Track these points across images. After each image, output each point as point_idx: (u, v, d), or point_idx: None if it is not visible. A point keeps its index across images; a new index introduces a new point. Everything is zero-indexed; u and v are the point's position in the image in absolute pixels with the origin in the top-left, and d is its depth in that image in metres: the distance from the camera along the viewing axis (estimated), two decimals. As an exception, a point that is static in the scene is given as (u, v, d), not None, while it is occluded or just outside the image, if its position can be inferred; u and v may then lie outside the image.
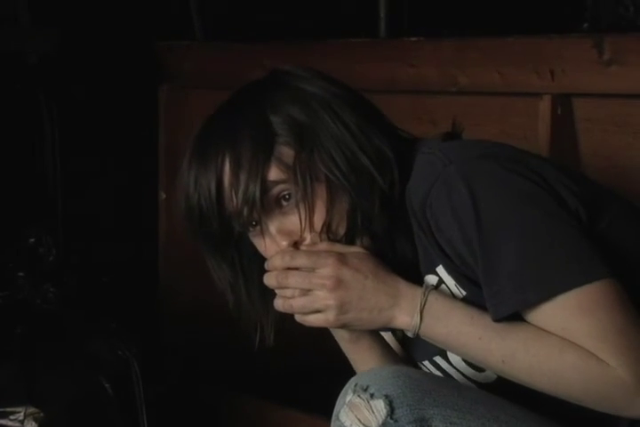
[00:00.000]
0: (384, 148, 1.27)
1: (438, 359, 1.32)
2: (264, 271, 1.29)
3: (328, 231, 1.26)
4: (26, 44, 2.36)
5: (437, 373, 1.33)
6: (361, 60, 2.11)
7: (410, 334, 1.25)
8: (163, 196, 2.52)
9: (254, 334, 1.34)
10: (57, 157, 2.39)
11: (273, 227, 1.27)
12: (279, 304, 1.27)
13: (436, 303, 1.22)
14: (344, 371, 1.40)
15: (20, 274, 2.00)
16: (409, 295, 1.23)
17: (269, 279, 1.27)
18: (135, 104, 2.48)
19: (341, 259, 1.24)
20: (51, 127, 2.38)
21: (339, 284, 1.23)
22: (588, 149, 1.85)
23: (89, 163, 2.46)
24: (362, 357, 1.36)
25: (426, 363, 1.34)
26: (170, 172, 2.49)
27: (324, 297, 1.23)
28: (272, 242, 1.27)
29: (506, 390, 1.22)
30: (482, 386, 1.29)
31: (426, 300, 1.22)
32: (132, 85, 2.46)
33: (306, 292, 1.25)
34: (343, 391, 1.20)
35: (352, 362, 1.39)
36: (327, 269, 1.23)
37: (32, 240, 2.05)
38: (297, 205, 1.25)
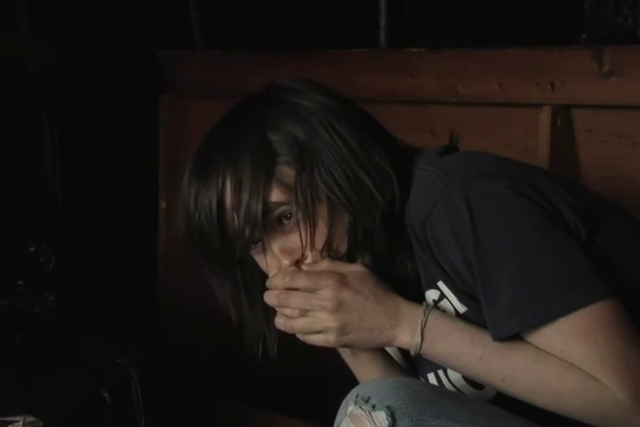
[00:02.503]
0: (384, 164, 1.27)
1: (441, 373, 1.33)
2: (266, 287, 1.29)
3: (329, 249, 1.26)
4: (26, 51, 2.37)
5: None
6: (361, 70, 2.11)
7: (412, 353, 1.25)
8: (163, 205, 2.52)
9: (257, 347, 1.34)
10: (57, 166, 2.39)
11: (275, 246, 1.27)
12: (280, 324, 1.28)
13: (436, 323, 1.23)
14: (343, 379, 1.40)
15: (20, 282, 2.00)
16: (409, 315, 1.23)
17: (270, 298, 1.27)
18: (136, 113, 2.48)
19: (342, 280, 1.24)
20: (51, 135, 2.38)
21: (339, 306, 1.23)
22: (587, 159, 1.85)
23: (89, 171, 2.46)
24: (363, 369, 1.36)
25: (430, 376, 1.34)
26: (170, 181, 2.49)
27: (324, 319, 1.24)
28: (274, 260, 1.28)
29: (505, 407, 1.22)
30: None
31: (426, 319, 1.22)
32: (133, 94, 2.46)
33: (306, 312, 1.25)
34: (344, 402, 1.20)
35: (355, 374, 1.39)
36: (327, 290, 1.24)
37: (32, 249, 2.05)
38: (298, 225, 1.25)
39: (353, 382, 1.38)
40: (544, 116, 1.83)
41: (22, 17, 2.37)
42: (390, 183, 1.26)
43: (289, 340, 1.34)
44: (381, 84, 2.07)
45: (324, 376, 2.16)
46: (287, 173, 1.25)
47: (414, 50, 2.05)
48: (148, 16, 2.49)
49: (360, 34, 2.32)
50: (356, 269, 1.26)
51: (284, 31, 2.53)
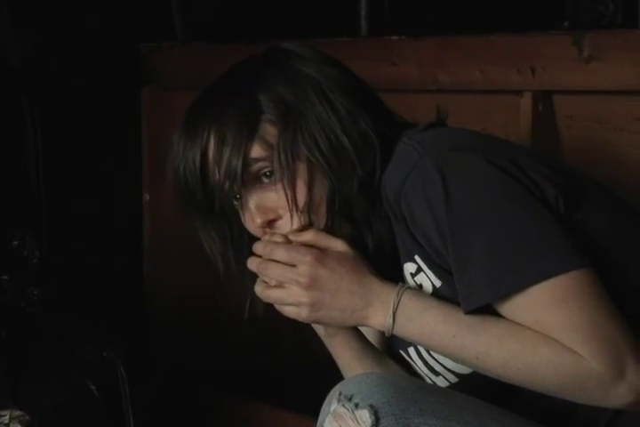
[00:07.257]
0: (370, 133, 1.28)
1: (421, 348, 1.33)
2: (254, 241, 1.31)
3: (308, 210, 1.27)
4: (7, 46, 2.36)
5: (419, 361, 1.34)
6: (342, 58, 2.08)
7: (386, 334, 1.25)
8: (147, 197, 2.52)
9: (244, 304, 1.35)
10: (40, 160, 2.39)
11: (252, 202, 1.29)
12: (258, 291, 1.30)
13: (409, 304, 1.23)
14: (331, 370, 1.40)
15: (4, 277, 1.99)
16: (382, 296, 1.24)
17: (251, 264, 1.30)
18: (118, 105, 2.48)
19: (319, 258, 1.25)
20: (33, 129, 2.38)
21: (313, 283, 1.25)
22: (569, 145, 1.85)
23: (72, 165, 2.46)
24: (338, 351, 1.37)
25: (410, 349, 1.35)
26: (153, 173, 2.49)
27: (297, 294, 1.26)
28: (250, 217, 1.30)
29: (485, 381, 1.22)
30: (462, 376, 1.30)
31: (399, 301, 1.23)
32: (115, 87, 2.46)
33: (283, 284, 1.27)
34: (327, 400, 1.19)
35: (331, 353, 1.40)
36: (304, 266, 1.25)
37: (16, 243, 2.04)
38: (276, 183, 1.27)
39: (339, 372, 1.39)
40: (525, 103, 1.84)
41: (2, 11, 2.36)
42: (372, 152, 1.28)
43: (275, 331, 1.35)
44: (363, 72, 2.04)
45: (311, 367, 2.17)
46: (270, 131, 1.27)
47: (395, 38, 2.05)
48: (129, 8, 2.48)
49: (341, 23, 2.32)
50: (337, 246, 1.27)
51: (266, 21, 2.53)
